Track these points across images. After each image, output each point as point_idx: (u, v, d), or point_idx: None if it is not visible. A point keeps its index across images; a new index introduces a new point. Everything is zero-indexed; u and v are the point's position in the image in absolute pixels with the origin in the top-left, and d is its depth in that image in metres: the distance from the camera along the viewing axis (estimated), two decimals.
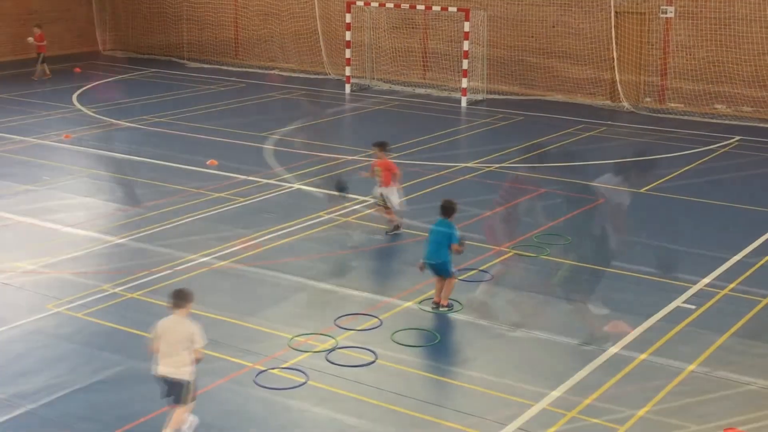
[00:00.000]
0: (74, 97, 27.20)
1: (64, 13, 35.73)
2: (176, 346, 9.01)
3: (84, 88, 28.59)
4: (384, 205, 15.52)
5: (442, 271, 12.56)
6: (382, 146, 15.78)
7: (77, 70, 32.06)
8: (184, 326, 9.07)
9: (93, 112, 25.09)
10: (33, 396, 10.06)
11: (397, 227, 15.52)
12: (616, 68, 26.92)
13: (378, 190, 15.62)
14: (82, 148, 21.11)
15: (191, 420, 9.39)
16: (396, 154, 20.62)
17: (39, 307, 12.39)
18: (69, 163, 19.77)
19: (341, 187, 16.78)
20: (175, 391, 9.11)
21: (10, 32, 34.00)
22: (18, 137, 21.93)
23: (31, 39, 30.11)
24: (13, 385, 10.32)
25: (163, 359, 9.06)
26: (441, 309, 12.54)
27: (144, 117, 24.46)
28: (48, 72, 30.09)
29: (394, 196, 15.50)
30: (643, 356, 11.21)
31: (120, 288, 13.03)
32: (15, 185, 17.98)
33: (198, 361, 9.23)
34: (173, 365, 9.02)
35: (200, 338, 9.11)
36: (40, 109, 25.27)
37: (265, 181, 18.45)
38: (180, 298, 9.18)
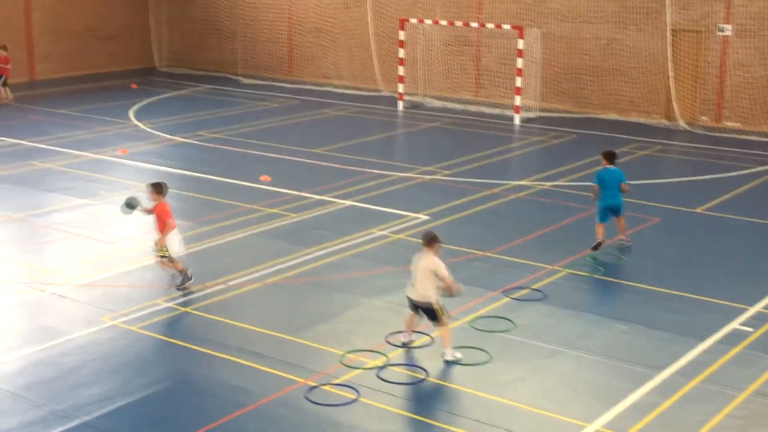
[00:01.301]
0: (131, 112, 27.58)
1: (122, 30, 36.31)
2: (422, 277, 11.02)
3: (140, 104, 28.99)
4: (163, 255, 13.66)
5: (619, 210, 15.34)
6: (156, 189, 13.80)
7: (134, 86, 32.53)
8: (428, 261, 11.02)
9: (149, 127, 25.42)
10: (87, 408, 10.17)
11: (187, 278, 13.61)
12: (672, 86, 26.66)
13: (155, 239, 13.82)
14: (138, 163, 21.38)
15: (456, 354, 11.27)
16: (449, 172, 20.64)
17: (94, 320, 12.55)
18: (125, 177, 20.04)
19: (130, 205, 14.37)
20: (428, 313, 11.16)
21: (69, 49, 34.62)
22: (76, 152, 22.28)
23: None
24: (69, 396, 10.45)
25: (412, 287, 11.21)
26: (624, 243, 15.51)
27: (199, 133, 24.72)
28: (10, 96, 28.98)
29: (174, 244, 13.64)
30: (698, 379, 11.04)
31: (174, 302, 13.15)
32: (72, 199, 18.26)
33: (450, 290, 11.18)
34: (419, 292, 11.10)
35: (443, 272, 11.04)
36: (98, 125, 25.66)
37: (318, 197, 18.54)
38: (429, 238, 11.34)
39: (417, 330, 12.20)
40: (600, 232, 15.32)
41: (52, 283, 13.79)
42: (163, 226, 13.62)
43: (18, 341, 11.94)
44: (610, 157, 15.59)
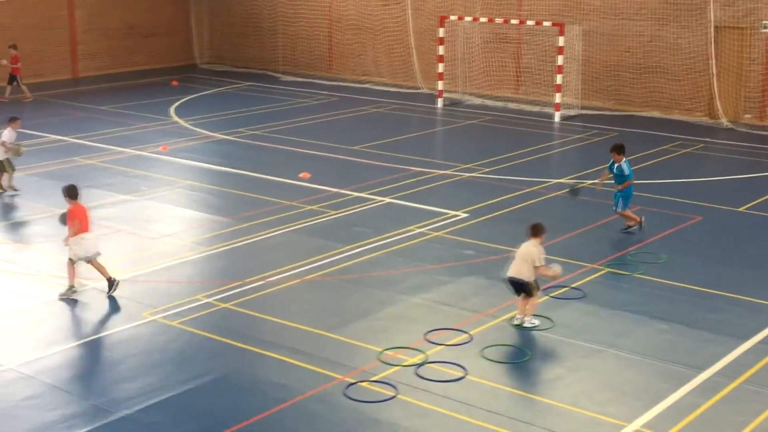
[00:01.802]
0: (172, 109, 27.79)
1: (163, 28, 36.60)
2: (521, 260, 12.27)
3: (181, 101, 29.20)
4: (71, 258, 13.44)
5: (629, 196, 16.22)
6: (66, 192, 13.74)
7: (175, 83, 32.77)
8: (529, 249, 12.27)
9: (189, 124, 25.59)
10: (128, 402, 10.27)
11: (112, 283, 13.32)
12: (714, 84, 26.36)
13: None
14: (178, 159, 21.54)
15: (534, 321, 12.32)
16: (488, 169, 20.58)
17: (135, 315, 12.66)
18: (166, 174, 20.19)
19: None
20: (523, 288, 12.27)
21: (112, 46, 34.95)
22: (117, 148, 22.49)
23: (5, 61, 29.23)
24: (110, 390, 10.55)
25: (512, 268, 12.33)
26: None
27: (238, 129, 24.85)
28: (28, 94, 29.02)
29: (78, 247, 13.31)
30: (739, 380, 10.92)
31: (213, 298, 13.24)
32: (114, 195, 18.43)
33: (548, 276, 12.39)
34: (516, 270, 12.29)
35: (538, 259, 12.19)
36: (139, 122, 25.88)
37: (357, 194, 18.55)
38: (534, 228, 12.55)
39: (456, 328, 12.20)
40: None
41: (94, 278, 13.93)
42: (74, 229, 13.32)
43: (60, 335, 12.08)
44: (623, 150, 16.34)
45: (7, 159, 18.41)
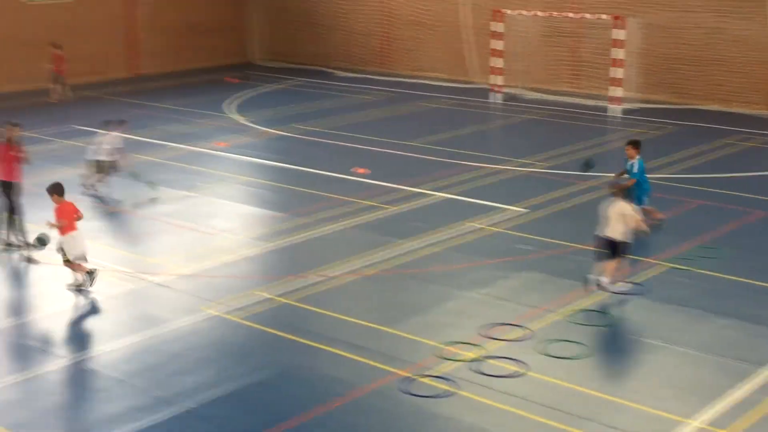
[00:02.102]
0: (229, 106, 28.03)
1: (221, 25, 36.91)
2: (614, 220, 12.86)
3: (238, 98, 29.44)
4: (66, 259, 13.47)
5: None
6: (52, 190, 13.68)
7: (232, 80, 33.04)
8: (623, 208, 12.91)
9: (247, 120, 25.79)
10: (189, 394, 10.39)
11: (91, 279, 13.42)
12: None
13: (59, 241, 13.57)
14: (236, 155, 21.72)
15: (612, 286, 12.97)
16: (545, 164, 20.46)
17: (195, 309, 12.81)
18: (224, 170, 20.37)
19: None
20: (611, 247, 12.88)
21: (171, 44, 35.34)
22: (176, 145, 22.75)
23: (48, 65, 29.03)
24: (172, 383, 10.69)
25: (606, 228, 12.96)
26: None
27: (295, 125, 24.99)
28: (69, 94, 28.93)
29: (71, 246, 13.37)
30: None
31: (272, 293, 13.33)
32: (173, 191, 18.65)
33: (638, 229, 13.02)
34: (610, 230, 12.89)
35: (630, 213, 12.86)
36: (197, 118, 26.15)
37: (414, 189, 18.56)
38: (614, 186, 13.39)
39: (514, 323, 12.15)
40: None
41: (154, 273, 14.12)
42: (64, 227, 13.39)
43: (123, 329, 12.26)
44: (639, 145, 15.95)
45: (109, 162, 18.38)
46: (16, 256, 14.91)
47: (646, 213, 15.64)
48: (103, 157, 18.37)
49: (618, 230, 12.94)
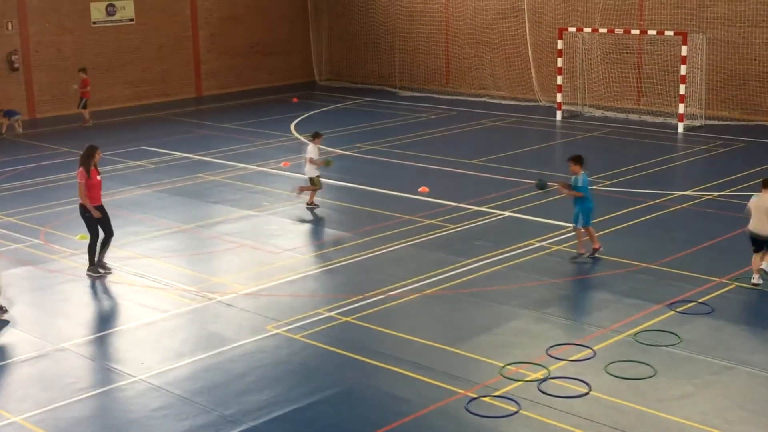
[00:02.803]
0: (292, 126, 28.26)
1: (285, 45, 37.32)
2: (762, 214, 13.56)
3: (301, 118, 29.68)
4: None
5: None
6: None
7: (295, 100, 33.33)
8: (765, 200, 13.54)
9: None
10: (254, 413, 10.45)
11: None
12: None
13: None
14: (299, 175, 21.84)
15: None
16: (610, 182, 20.26)
17: (259, 328, 12.89)
18: (287, 189, 20.51)
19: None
20: (765, 243, 13.67)
21: (233, 65, 35.81)
22: (240, 164, 22.98)
23: (75, 86, 29.70)
24: (236, 402, 10.76)
25: (753, 223, 13.70)
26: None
27: (358, 145, 25.09)
28: (88, 118, 29.19)
29: None
30: None
31: (335, 312, 13.37)
32: (237, 210, 18.83)
33: None
34: (758, 227, 13.60)
35: None
36: (261, 138, 26.40)
37: (476, 208, 18.50)
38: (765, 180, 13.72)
39: (579, 343, 12.01)
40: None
41: (219, 292, 14.25)
42: None
43: (188, 347, 12.39)
44: (582, 161, 15.42)
45: (317, 176, 18.76)
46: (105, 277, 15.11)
47: (580, 235, 15.26)
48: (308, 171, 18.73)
49: (765, 226, 13.62)
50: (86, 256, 15.27)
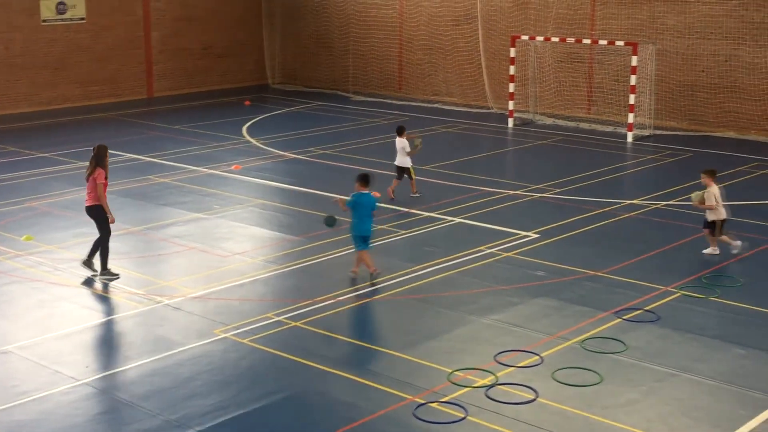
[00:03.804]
0: (244, 129, 28.12)
1: (238, 48, 37.14)
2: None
3: (253, 121, 29.54)
4: None
5: (368, 240, 14.65)
6: None
7: (247, 102, 33.18)
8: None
9: (261, 143, 25.86)
10: (200, 418, 10.36)
11: None
12: None
13: None
14: (250, 178, 21.76)
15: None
16: (559, 190, 20.41)
17: (207, 332, 12.79)
18: (238, 192, 20.41)
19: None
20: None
21: (186, 66, 35.57)
22: (191, 167, 22.82)
23: None
24: (183, 407, 10.66)
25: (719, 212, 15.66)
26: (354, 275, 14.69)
27: (310, 149, 25.04)
28: None
29: None
30: None
31: (284, 316, 13.31)
32: (187, 213, 18.68)
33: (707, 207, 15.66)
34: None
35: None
36: (212, 141, 26.23)
37: (427, 214, 18.54)
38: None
39: (526, 349, 12.08)
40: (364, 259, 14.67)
41: (167, 295, 14.12)
42: None
43: (134, 351, 12.26)
44: (367, 180, 14.72)
45: (412, 165, 19.92)
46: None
47: (360, 261, 14.70)
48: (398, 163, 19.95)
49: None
50: (32, 258, 15.05)
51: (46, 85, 31.49)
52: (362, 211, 14.60)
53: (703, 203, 15.87)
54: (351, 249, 16.24)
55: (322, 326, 12.93)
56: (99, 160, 14.91)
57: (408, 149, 19.67)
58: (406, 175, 19.90)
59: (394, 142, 20.05)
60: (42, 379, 11.41)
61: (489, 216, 18.38)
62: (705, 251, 16.06)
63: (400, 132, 20.00)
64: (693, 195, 16.21)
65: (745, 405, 10.70)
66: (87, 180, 14.96)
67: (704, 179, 16.13)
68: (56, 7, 31.84)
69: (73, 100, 32.44)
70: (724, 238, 15.96)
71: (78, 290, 14.40)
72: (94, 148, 15.14)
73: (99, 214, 14.93)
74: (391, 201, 19.41)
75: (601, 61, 29.48)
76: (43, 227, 17.71)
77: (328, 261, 15.79)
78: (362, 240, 14.67)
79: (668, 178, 21.76)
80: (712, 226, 15.96)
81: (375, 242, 16.64)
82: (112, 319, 13.31)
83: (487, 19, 31.66)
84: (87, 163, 15.10)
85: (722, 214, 15.89)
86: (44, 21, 31.69)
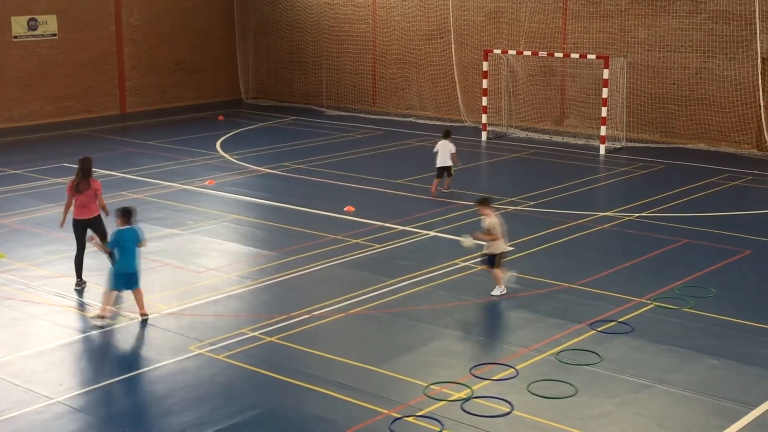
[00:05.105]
0: (218, 144, 28.07)
1: (211, 63, 37.09)
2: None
3: (227, 136, 29.48)
4: None
5: (136, 279, 13.73)
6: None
7: (221, 118, 33.13)
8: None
9: (235, 158, 25.82)
10: None
11: None
12: (763, 116, 26.11)
13: None
14: (224, 193, 21.71)
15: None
16: (532, 203, 20.50)
17: (182, 348, 12.73)
18: (212, 208, 20.35)
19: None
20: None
21: (159, 82, 35.48)
22: (165, 182, 22.73)
23: None
24: (157, 424, 10.60)
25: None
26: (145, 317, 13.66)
27: (284, 163, 25.02)
28: None
29: None
30: None
31: (259, 332, 13.27)
32: (161, 229, 18.61)
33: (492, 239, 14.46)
34: None
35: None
36: (185, 156, 26.16)
37: (401, 227, 18.57)
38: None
39: (502, 362, 12.10)
40: (110, 299, 13.71)
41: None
42: None
43: (108, 368, 12.18)
44: (128, 215, 13.79)
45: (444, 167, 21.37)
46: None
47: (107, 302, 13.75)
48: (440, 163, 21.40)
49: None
50: (4, 276, 14.94)
51: (18, 102, 31.31)
52: (127, 246, 13.61)
53: (488, 235, 14.42)
54: (326, 263, 16.24)
55: (299, 342, 12.92)
56: (87, 172, 14.97)
57: (453, 151, 21.28)
58: (445, 173, 21.36)
59: (368, 157, 20.07)
60: (15, 398, 11.31)
61: (463, 229, 18.39)
62: (493, 293, 14.61)
63: (447, 135, 21.62)
64: (462, 239, 15.02)
65: (719, 415, 10.77)
66: (77, 192, 14.94)
67: (481, 210, 14.69)
68: (27, 24, 31.69)
69: (45, 117, 32.28)
70: (500, 273, 14.62)
71: (51, 308, 14.30)
72: (80, 161, 15.19)
73: (100, 226, 15.06)
74: (440, 195, 21.16)
75: (573, 75, 29.68)
76: (16, 244, 17.58)
77: (302, 276, 15.77)
78: (126, 278, 13.59)
79: (641, 190, 21.91)
80: (491, 261, 14.59)
81: (352, 256, 16.65)
82: (85, 336, 13.21)
83: (460, 33, 31.82)
84: (61, 180, 15.03)
85: (504, 246, 14.68)
86: (15, 37, 31.50)
